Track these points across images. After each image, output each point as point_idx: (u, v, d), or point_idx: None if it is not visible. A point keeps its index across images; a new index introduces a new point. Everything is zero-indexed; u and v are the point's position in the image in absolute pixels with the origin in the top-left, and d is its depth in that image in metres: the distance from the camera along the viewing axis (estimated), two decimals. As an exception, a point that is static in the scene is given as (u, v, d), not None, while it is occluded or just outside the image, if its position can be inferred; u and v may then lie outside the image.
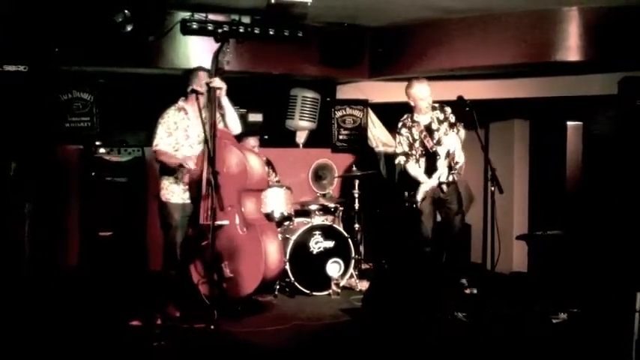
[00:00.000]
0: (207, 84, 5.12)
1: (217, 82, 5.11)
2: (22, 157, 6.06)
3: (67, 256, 6.58)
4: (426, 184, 5.84)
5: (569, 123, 7.10)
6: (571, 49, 6.28)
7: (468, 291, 5.86)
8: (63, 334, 4.77)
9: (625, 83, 6.34)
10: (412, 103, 5.97)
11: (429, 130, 5.91)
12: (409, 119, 5.99)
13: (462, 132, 5.97)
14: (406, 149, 5.98)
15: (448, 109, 5.95)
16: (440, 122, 5.94)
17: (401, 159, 5.99)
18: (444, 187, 5.89)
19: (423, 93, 5.89)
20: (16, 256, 5.95)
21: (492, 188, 5.34)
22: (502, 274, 7.02)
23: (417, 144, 5.93)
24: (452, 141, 5.85)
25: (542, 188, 7.51)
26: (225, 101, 5.27)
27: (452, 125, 5.92)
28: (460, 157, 5.89)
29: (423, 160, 5.93)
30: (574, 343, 4.70)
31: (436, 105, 5.98)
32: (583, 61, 6.33)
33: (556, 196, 7.15)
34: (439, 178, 5.86)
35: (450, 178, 5.90)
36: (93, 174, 6.48)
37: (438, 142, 5.88)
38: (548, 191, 7.35)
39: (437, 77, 7.10)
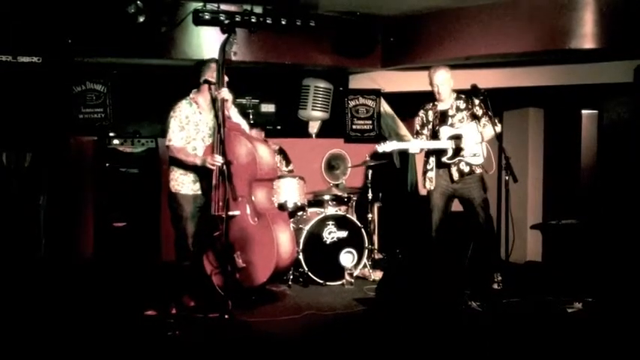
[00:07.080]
0: (215, 96, 5.01)
1: (225, 94, 5.04)
2: (36, 148, 6.10)
3: (81, 247, 6.62)
4: (406, 144, 5.85)
5: (584, 111, 7.05)
6: (586, 36, 6.21)
7: (496, 286, 5.75)
8: (78, 325, 4.80)
9: (641, 71, 6.29)
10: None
11: (444, 115, 5.83)
12: (430, 103, 5.93)
13: (490, 128, 5.62)
14: (417, 128, 5.96)
15: (476, 101, 5.73)
16: (458, 110, 5.79)
17: (411, 137, 5.97)
18: (455, 173, 5.71)
19: (438, 79, 5.80)
20: (31, 247, 6.00)
21: (507, 177, 5.31)
22: (516, 263, 7.00)
23: (429, 125, 5.87)
24: (467, 129, 5.70)
25: (557, 177, 7.47)
26: (232, 112, 5.27)
27: (475, 117, 5.72)
28: (478, 150, 5.64)
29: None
30: (589, 333, 4.68)
31: (462, 95, 5.83)
32: (598, 49, 6.27)
33: (571, 185, 7.11)
34: (445, 157, 5.69)
35: (467, 169, 5.70)
36: (107, 165, 6.51)
37: (451, 126, 5.75)
38: (562, 180, 7.31)
39: (451, 66, 7.05)
